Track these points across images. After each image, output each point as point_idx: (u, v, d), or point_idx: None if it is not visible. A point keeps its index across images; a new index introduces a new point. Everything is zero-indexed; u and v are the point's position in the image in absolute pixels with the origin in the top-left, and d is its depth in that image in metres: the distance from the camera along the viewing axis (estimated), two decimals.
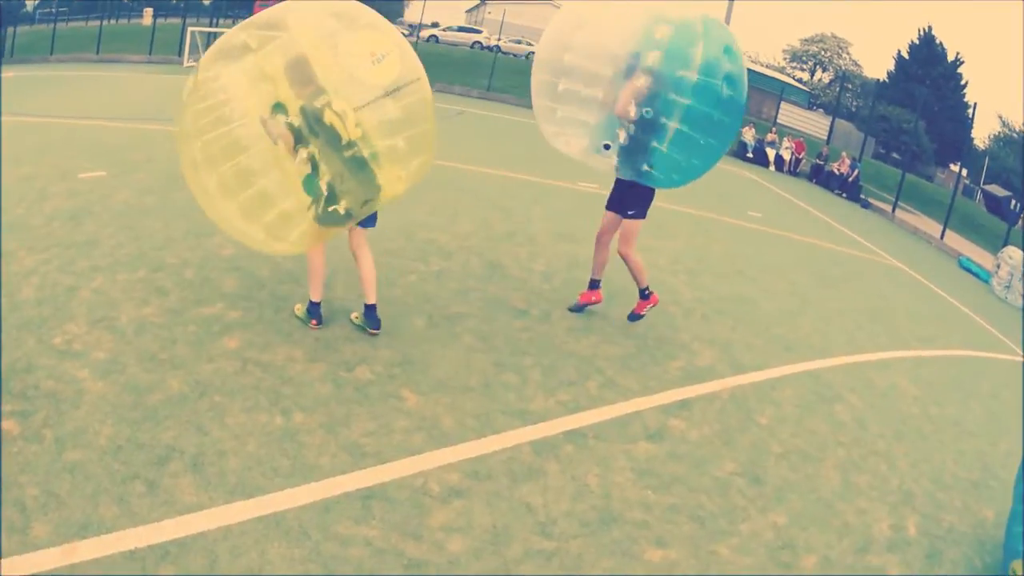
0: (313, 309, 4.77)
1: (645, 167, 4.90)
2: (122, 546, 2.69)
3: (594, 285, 5.78)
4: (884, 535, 3.80)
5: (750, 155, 22.28)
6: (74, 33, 29.03)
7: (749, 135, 22.62)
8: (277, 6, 4.16)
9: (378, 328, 4.81)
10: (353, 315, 4.93)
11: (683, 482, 3.80)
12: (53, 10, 31.99)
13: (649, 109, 4.67)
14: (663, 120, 4.68)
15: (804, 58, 56.57)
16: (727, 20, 25.71)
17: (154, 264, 5.35)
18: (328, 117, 3.93)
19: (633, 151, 4.85)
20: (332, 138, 3.96)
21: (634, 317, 5.73)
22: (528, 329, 5.34)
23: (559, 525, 3.30)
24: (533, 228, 8.07)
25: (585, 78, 4.89)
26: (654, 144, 4.78)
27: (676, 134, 4.73)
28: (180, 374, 3.92)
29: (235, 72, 3.98)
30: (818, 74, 56.06)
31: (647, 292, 5.65)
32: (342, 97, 3.95)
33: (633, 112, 4.71)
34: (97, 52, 26.36)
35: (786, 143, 23.01)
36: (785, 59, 57.32)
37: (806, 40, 56.47)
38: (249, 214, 4.07)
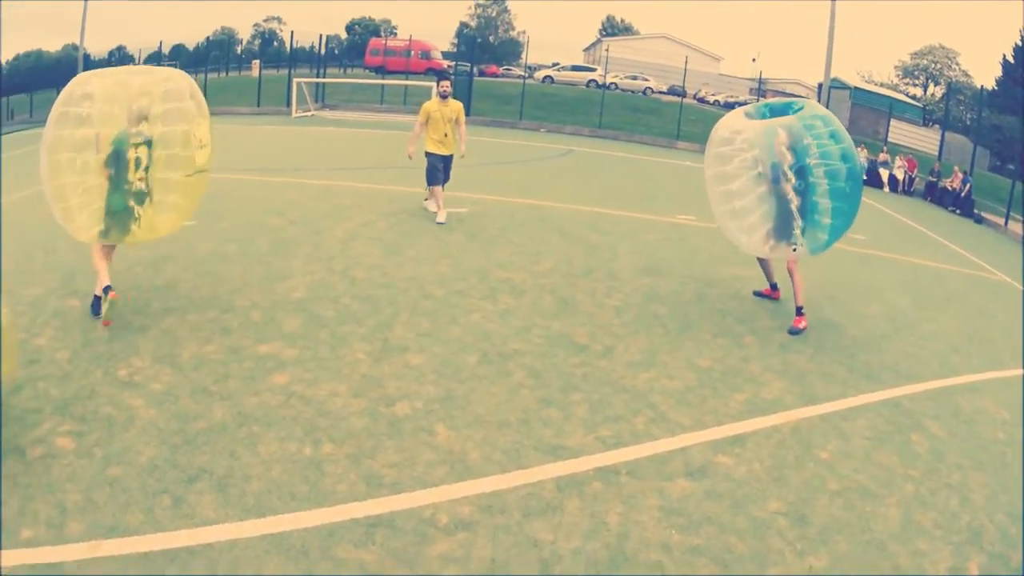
0: (96, 303, 5.30)
1: (825, 223, 6.19)
2: (139, 548, 2.99)
3: (773, 287, 7.20)
4: None
5: (864, 177, 21.19)
6: None
7: (861, 156, 21.53)
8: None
9: (99, 315, 5.22)
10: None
11: (715, 522, 3.51)
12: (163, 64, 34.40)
13: (801, 182, 6.15)
14: (813, 198, 6.16)
15: (915, 72, 53.64)
16: (830, 38, 24.76)
17: (224, 306, 5.67)
18: (131, 153, 4.99)
19: (812, 226, 6.20)
20: (122, 171, 5.00)
21: (794, 331, 6.39)
22: (585, 364, 5.21)
23: (564, 562, 3.14)
24: (617, 264, 7.91)
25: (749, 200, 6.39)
26: (818, 217, 6.18)
27: (817, 203, 6.17)
28: (226, 405, 4.19)
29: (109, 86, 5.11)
30: (931, 88, 52.90)
31: (802, 309, 6.51)
32: (163, 159, 5.12)
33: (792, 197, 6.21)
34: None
35: (898, 162, 21.89)
36: (898, 75, 54.50)
37: (915, 54, 53.57)
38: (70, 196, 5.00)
